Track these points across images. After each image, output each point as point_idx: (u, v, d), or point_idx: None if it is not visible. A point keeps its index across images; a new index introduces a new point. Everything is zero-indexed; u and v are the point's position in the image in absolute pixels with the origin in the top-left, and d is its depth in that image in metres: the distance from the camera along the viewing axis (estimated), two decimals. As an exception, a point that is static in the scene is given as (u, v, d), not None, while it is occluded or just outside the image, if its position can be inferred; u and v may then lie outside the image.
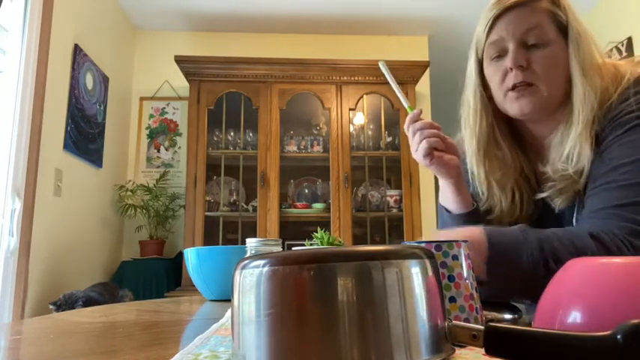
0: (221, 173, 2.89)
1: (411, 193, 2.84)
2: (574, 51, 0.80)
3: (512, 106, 0.83)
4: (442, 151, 0.82)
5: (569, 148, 0.79)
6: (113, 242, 2.95)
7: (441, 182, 0.87)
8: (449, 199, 0.87)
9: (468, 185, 0.95)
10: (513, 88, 0.82)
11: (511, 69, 0.81)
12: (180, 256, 2.81)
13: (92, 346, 0.57)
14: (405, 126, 0.85)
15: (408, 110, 0.86)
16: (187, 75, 2.85)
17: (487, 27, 0.83)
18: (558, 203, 0.81)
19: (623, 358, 0.30)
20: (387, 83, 0.88)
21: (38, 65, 2.10)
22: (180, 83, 3.11)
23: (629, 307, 0.40)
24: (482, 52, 0.87)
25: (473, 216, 0.86)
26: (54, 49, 2.24)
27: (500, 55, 0.83)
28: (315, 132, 3.08)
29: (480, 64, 0.89)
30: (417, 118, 0.84)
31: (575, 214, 0.81)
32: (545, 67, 0.80)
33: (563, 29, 0.82)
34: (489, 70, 0.86)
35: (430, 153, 0.80)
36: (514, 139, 0.91)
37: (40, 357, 0.51)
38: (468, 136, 0.91)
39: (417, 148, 0.82)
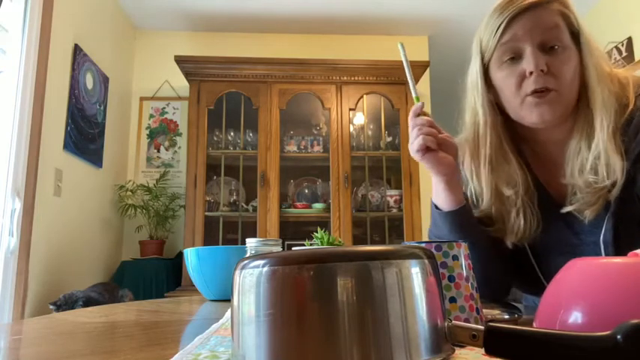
0: (221, 173, 2.89)
1: (411, 193, 2.84)
2: (588, 55, 0.78)
3: (532, 112, 0.79)
4: (436, 150, 0.80)
5: (593, 159, 0.77)
6: (113, 242, 2.95)
7: (434, 178, 0.85)
8: (439, 195, 0.85)
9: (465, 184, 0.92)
10: (532, 93, 0.78)
11: (530, 73, 0.77)
12: (180, 256, 2.81)
13: (92, 346, 0.57)
14: (409, 117, 0.83)
15: (415, 100, 0.84)
16: (187, 75, 2.85)
17: (500, 29, 0.79)
18: (588, 215, 0.79)
19: (623, 358, 0.30)
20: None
21: (38, 65, 2.10)
22: (180, 83, 3.11)
23: (629, 307, 0.40)
24: (490, 57, 0.82)
25: (460, 214, 0.83)
26: (54, 49, 2.24)
27: (514, 58, 0.79)
28: (315, 132, 3.08)
29: (485, 69, 0.84)
30: (419, 112, 0.82)
31: (604, 224, 0.79)
32: (564, 72, 0.77)
33: (574, 33, 0.79)
34: (500, 75, 0.82)
35: (423, 149, 0.79)
36: (519, 150, 0.88)
37: (40, 357, 0.51)
38: (474, 149, 0.87)
39: (412, 141, 0.81)
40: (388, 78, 2.92)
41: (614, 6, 2.99)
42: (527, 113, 0.80)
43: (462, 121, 0.92)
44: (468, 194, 0.91)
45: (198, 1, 2.99)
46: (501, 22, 0.79)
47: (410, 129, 0.82)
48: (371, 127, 3.04)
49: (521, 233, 0.85)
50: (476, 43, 0.85)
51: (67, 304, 1.94)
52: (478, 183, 0.88)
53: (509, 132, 0.87)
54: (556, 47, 0.77)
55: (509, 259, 0.91)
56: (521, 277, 0.96)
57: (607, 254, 0.79)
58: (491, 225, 0.88)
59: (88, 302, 1.93)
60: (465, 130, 0.90)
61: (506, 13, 0.78)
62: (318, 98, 2.91)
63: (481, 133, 0.85)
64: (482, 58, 0.84)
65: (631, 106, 0.77)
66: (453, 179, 0.83)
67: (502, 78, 0.82)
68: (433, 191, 0.87)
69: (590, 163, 0.77)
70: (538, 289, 0.93)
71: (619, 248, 0.78)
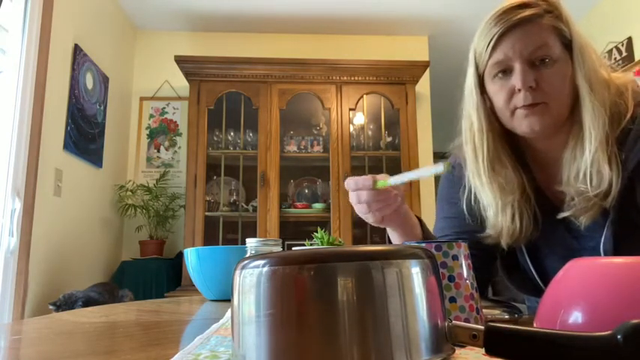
0: (221, 173, 2.89)
1: (411, 193, 2.84)
2: (579, 66, 0.79)
3: (521, 124, 0.81)
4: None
5: (585, 167, 0.78)
6: (113, 242, 2.95)
7: (389, 230, 0.90)
8: (402, 238, 0.89)
9: (456, 203, 0.93)
10: (521, 107, 0.79)
11: (519, 90, 0.78)
12: (180, 256, 2.81)
13: (92, 346, 0.57)
14: (352, 187, 0.83)
15: (380, 184, 0.80)
16: (187, 75, 2.85)
17: (490, 45, 0.80)
18: (583, 221, 0.79)
19: (623, 358, 0.30)
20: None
21: (38, 65, 2.10)
22: (180, 83, 3.11)
23: (629, 307, 0.40)
24: (484, 69, 0.84)
25: (428, 236, 0.94)
26: (54, 49, 2.24)
27: (505, 72, 0.81)
28: (315, 132, 3.08)
29: (480, 79, 0.86)
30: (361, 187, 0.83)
31: (604, 232, 0.79)
32: (554, 85, 0.78)
33: (567, 44, 0.80)
34: (493, 88, 0.83)
35: (380, 220, 0.84)
36: (516, 156, 0.89)
37: (40, 357, 0.51)
38: (471, 155, 0.88)
39: (364, 215, 0.84)
40: (388, 78, 2.92)
41: (614, 6, 2.99)
42: (517, 124, 0.82)
43: (460, 125, 0.93)
44: (465, 204, 0.91)
45: (198, 1, 2.99)
46: (492, 38, 0.80)
47: (355, 201, 0.83)
48: (371, 127, 3.04)
49: (517, 235, 0.86)
50: (472, 51, 0.86)
51: (66, 304, 1.94)
52: (480, 186, 0.88)
53: (509, 138, 0.88)
54: (547, 61, 0.78)
55: (492, 260, 0.96)
56: (517, 277, 0.96)
57: None
58: (487, 232, 0.89)
59: (88, 302, 1.93)
60: (464, 136, 0.91)
61: (495, 29, 0.79)
62: (318, 98, 2.91)
63: (477, 140, 0.87)
64: (477, 68, 0.86)
65: (628, 116, 0.77)
66: (406, 222, 0.88)
67: (494, 91, 0.84)
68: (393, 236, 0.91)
69: (583, 171, 0.78)
70: (534, 290, 0.93)
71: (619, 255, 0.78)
